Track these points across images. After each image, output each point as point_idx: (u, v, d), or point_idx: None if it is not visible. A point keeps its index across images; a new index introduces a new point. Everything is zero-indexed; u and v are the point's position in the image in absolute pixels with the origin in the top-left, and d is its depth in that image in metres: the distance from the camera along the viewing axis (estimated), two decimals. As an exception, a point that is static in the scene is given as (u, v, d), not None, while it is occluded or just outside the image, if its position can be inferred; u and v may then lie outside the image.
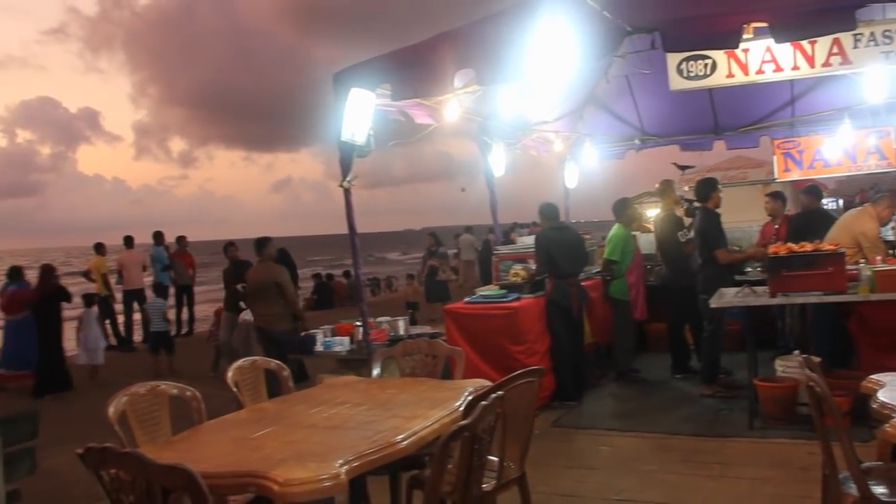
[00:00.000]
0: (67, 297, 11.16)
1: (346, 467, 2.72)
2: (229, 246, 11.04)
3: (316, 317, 15.70)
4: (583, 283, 7.75)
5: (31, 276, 11.90)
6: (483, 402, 2.89)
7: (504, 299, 7.14)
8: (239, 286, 9.76)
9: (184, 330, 15.01)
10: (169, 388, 3.80)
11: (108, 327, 13.56)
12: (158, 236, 14.50)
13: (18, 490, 3.79)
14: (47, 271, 11.03)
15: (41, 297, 10.72)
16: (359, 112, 5.57)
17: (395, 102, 6.30)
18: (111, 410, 3.47)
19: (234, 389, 4.11)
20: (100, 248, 13.53)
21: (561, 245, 7.39)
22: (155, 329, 11.62)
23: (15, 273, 11.69)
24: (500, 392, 3.10)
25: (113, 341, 13.63)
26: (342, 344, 6.72)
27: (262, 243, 8.42)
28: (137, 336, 14.07)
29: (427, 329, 7.32)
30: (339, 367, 6.61)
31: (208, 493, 2.47)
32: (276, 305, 8.10)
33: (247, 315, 9.32)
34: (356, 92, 5.52)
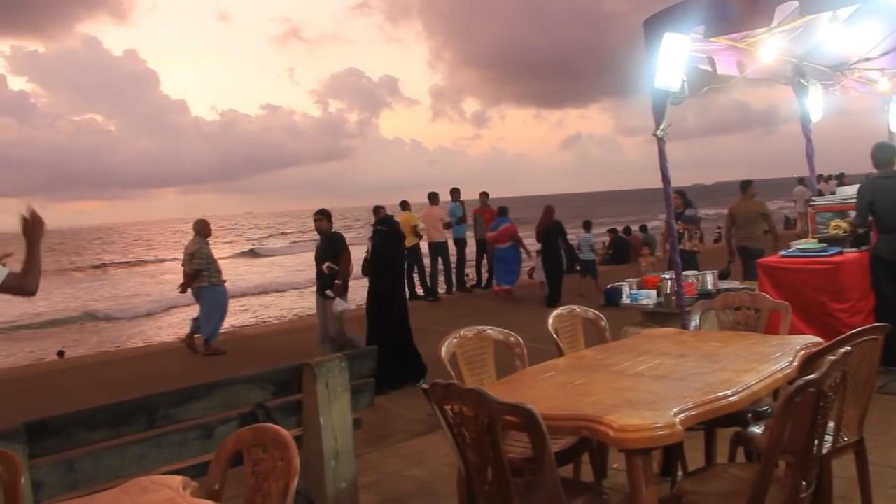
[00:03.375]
0: (563, 232, 13.70)
1: (681, 416, 2.66)
2: (319, 216, 9.18)
3: (612, 271, 15.64)
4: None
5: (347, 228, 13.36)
6: (831, 357, 2.69)
7: (824, 253, 6.62)
8: (325, 266, 8.83)
9: (483, 283, 15.66)
10: (495, 334, 3.96)
11: (416, 277, 14.48)
12: (455, 192, 15.33)
13: (360, 419, 4.16)
14: (548, 211, 13.84)
15: (544, 230, 13.51)
16: (672, 58, 5.37)
17: (704, 49, 6.02)
18: (443, 350, 3.68)
19: (555, 336, 4.20)
20: (406, 205, 14.44)
21: (890, 195, 6.67)
22: (584, 258, 14.54)
23: (504, 210, 14.59)
24: (847, 347, 2.87)
25: (420, 291, 14.54)
26: (649, 297, 6.61)
27: (747, 184, 10.85)
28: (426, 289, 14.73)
29: (736, 284, 6.99)
30: (645, 321, 6.52)
31: (547, 432, 2.55)
32: (758, 230, 10.48)
33: (339, 305, 8.60)
34: (670, 37, 5.33)
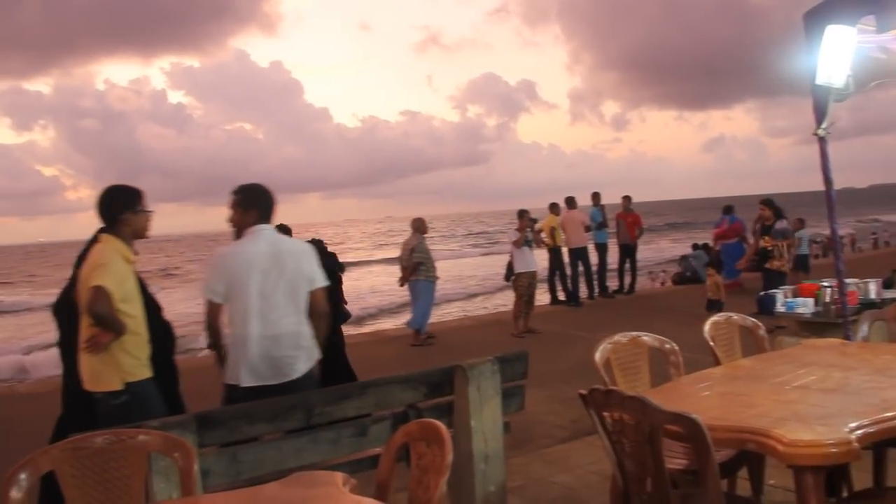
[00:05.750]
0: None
1: (858, 433, 2.50)
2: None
3: (758, 278, 15.20)
4: None
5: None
6: None
7: None
8: None
9: (625, 289, 15.42)
10: (650, 340, 3.86)
11: (559, 281, 14.40)
12: (595, 196, 15.17)
13: (509, 423, 4.13)
14: (770, 205, 13.93)
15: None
16: (836, 51, 5.05)
17: (874, 38, 5.64)
18: (597, 356, 3.61)
19: (711, 344, 4.05)
20: (554, 208, 14.31)
21: None
22: (800, 252, 14.05)
23: (730, 209, 15.61)
24: None
25: (561, 296, 14.41)
26: (806, 306, 6.29)
27: None
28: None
29: (902, 293, 6.56)
30: (801, 331, 6.21)
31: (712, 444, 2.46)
32: None
33: None
34: (833, 29, 5.00)
